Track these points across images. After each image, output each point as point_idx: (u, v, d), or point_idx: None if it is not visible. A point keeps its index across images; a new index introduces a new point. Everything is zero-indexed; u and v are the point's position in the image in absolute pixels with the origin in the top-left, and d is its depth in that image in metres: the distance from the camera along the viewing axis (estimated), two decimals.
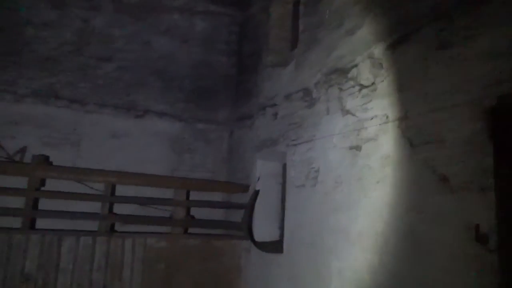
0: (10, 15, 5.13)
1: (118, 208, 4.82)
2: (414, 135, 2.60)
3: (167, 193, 5.00)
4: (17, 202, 4.25)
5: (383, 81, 2.97)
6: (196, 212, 5.14)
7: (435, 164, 2.41)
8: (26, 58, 5.11)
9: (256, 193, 4.77)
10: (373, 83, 3.08)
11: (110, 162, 5.05)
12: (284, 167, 4.82)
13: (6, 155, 4.77)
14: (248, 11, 6.02)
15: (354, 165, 3.15)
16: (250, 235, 4.53)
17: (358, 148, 3.13)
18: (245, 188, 5.14)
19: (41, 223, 4.57)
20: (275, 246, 4.29)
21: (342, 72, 3.47)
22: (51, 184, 4.64)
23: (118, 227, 4.75)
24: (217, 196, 5.57)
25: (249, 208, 4.67)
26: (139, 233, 4.52)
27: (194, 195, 5.15)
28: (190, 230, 4.92)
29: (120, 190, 4.87)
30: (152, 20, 5.85)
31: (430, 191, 2.42)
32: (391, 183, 2.75)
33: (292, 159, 4.13)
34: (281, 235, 4.76)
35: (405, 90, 2.74)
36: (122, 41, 5.64)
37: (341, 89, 3.45)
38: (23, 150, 4.85)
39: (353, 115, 3.25)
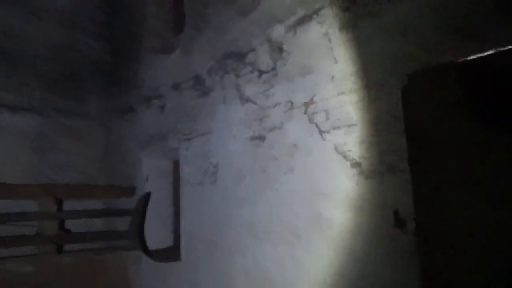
0: None
1: None
2: (322, 121, 2.49)
3: (33, 205, 4.11)
4: None
5: (285, 65, 2.79)
6: (72, 224, 4.32)
7: (345, 149, 2.32)
8: None
9: (147, 195, 4.22)
10: (273, 68, 2.88)
11: None
12: (175, 164, 4.37)
13: None
14: None
15: (257, 157, 2.93)
16: (141, 244, 3.98)
17: (261, 138, 2.91)
18: (130, 191, 4.54)
19: None
20: (170, 253, 3.84)
21: (238, 56, 3.19)
22: None
23: None
24: (96, 203, 4.80)
25: (139, 214, 4.11)
26: None
27: (68, 204, 4.32)
28: (66, 247, 4.11)
29: None
30: None
31: (343, 178, 2.32)
32: (300, 172, 2.60)
33: (185, 154, 3.73)
34: (176, 240, 4.34)
35: (310, 73, 2.60)
36: None
37: (238, 76, 3.18)
38: None
39: (254, 103, 3.01)
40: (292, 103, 2.70)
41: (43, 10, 4.95)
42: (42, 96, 4.73)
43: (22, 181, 4.30)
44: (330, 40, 2.47)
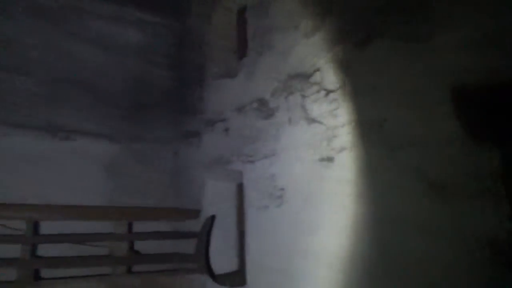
0: None
1: (44, 249, 4.00)
2: (394, 139, 2.32)
3: (105, 227, 4.31)
4: None
5: (352, 83, 2.69)
6: (141, 246, 4.46)
7: (421, 169, 2.13)
8: None
9: (212, 218, 4.24)
10: (340, 87, 2.78)
11: (29, 193, 4.21)
12: (239, 187, 4.36)
13: None
14: (188, 22, 5.59)
15: (325, 179, 2.80)
16: (207, 267, 3.97)
17: (329, 159, 2.79)
18: (196, 214, 4.59)
19: None
20: (236, 278, 3.77)
21: (303, 77, 3.15)
22: None
23: (45, 272, 3.92)
24: (163, 226, 4.92)
25: (204, 236, 4.12)
26: (71, 278, 3.74)
27: (137, 227, 4.47)
28: (136, 268, 4.22)
29: (47, 227, 4.07)
30: (74, 27, 5.15)
31: (419, 200, 2.12)
32: (370, 196, 2.43)
33: (250, 177, 3.70)
34: (241, 264, 4.27)
35: (379, 90, 2.47)
36: (38, 51, 4.85)
37: (303, 96, 3.12)
38: None
39: (321, 123, 2.92)
40: (361, 121, 2.57)
41: (121, 46, 5.35)
42: (118, 124, 5.03)
43: (96, 204, 4.56)
44: (399, 55, 2.33)
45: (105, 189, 4.82)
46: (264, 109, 3.60)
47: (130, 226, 4.26)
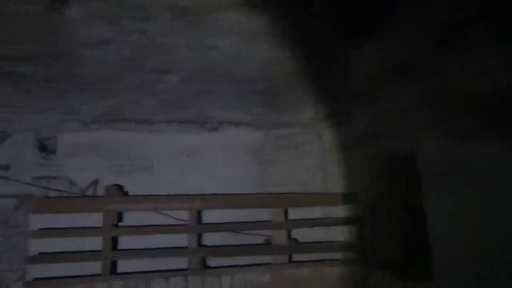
0: (65, 38, 4.67)
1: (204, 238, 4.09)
2: None
3: (255, 215, 4.20)
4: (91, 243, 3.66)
5: None
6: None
7: None
8: (87, 81, 4.59)
9: (373, 202, 3.77)
10: None
11: (187, 185, 4.35)
12: (405, 165, 3.79)
13: (79, 191, 4.23)
14: None
15: None
16: (374, 257, 3.52)
17: None
18: (353, 198, 4.17)
19: (121, 265, 3.92)
20: (418, 270, 3.23)
21: None
22: (126, 218, 4.04)
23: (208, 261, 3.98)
24: (311, 212, 4.64)
25: (365, 223, 3.68)
26: (236, 267, 3.69)
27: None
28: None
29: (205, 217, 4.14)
30: (211, 21, 5.15)
31: None
32: None
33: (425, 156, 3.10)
34: (407, 252, 3.70)
35: None
36: (183, 49, 4.97)
37: None
38: (95, 183, 4.29)
39: None
40: None
41: (251, 30, 5.20)
42: (259, 111, 4.91)
43: (245, 192, 4.50)
44: None
45: (253, 176, 4.75)
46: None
47: (286, 213, 4.06)
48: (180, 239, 4.04)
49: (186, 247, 3.74)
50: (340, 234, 4.35)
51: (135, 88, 4.72)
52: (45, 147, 4.38)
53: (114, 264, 3.73)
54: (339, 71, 4.63)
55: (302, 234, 4.36)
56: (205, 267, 3.81)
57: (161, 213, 4.06)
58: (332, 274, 3.77)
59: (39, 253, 3.71)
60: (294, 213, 4.35)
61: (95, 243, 3.83)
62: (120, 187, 4.03)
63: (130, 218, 4.11)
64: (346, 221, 4.11)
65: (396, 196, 3.95)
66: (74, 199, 3.89)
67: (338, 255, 4.26)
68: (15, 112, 4.30)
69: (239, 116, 4.85)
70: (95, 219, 3.91)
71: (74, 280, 3.45)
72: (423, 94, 3.05)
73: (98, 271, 3.66)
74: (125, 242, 4.02)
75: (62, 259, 3.55)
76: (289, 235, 4.04)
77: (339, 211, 4.42)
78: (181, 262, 3.85)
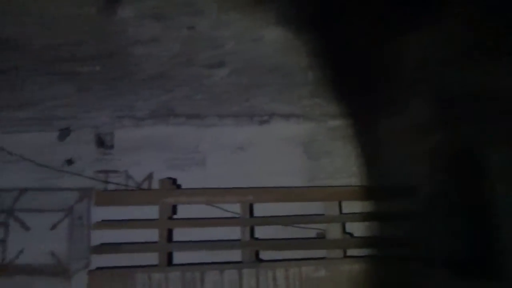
0: (118, 37, 4.84)
1: (256, 231, 4.07)
2: None
3: (307, 208, 4.13)
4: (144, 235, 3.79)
5: None
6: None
7: None
8: (139, 78, 4.73)
9: (433, 196, 3.55)
10: None
11: (239, 178, 4.35)
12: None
13: (135, 184, 4.38)
14: None
15: None
16: (432, 254, 3.31)
17: None
18: (409, 192, 3.96)
19: (175, 256, 4.03)
20: (484, 270, 2.99)
21: None
22: (179, 211, 4.14)
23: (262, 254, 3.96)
24: (367, 206, 4.46)
25: (424, 217, 3.47)
26: (291, 261, 3.63)
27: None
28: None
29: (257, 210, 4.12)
30: (258, 13, 5.09)
31: None
32: None
33: None
34: (467, 250, 3.43)
35: None
36: (231, 42, 4.96)
37: None
38: (149, 177, 4.42)
39: None
40: None
41: (299, 19, 5.08)
42: (309, 102, 4.80)
43: (297, 185, 4.42)
44: None
45: (306, 169, 4.66)
46: None
47: (340, 206, 3.94)
48: (231, 232, 4.05)
49: (239, 240, 3.75)
50: (395, 229, 4.16)
51: (186, 83, 4.79)
52: (103, 143, 4.58)
53: (169, 256, 3.82)
54: (396, 58, 4.40)
55: (356, 228, 4.22)
56: (258, 260, 3.79)
57: (213, 205, 4.10)
58: (388, 271, 3.60)
59: (101, 244, 3.88)
60: (349, 207, 4.20)
61: (149, 235, 3.95)
62: (174, 181, 4.12)
63: (183, 211, 4.20)
64: (402, 216, 3.91)
65: (461, 191, 3.69)
66: (132, 192, 4.03)
67: (394, 252, 4.07)
68: (77, 110, 4.53)
69: (290, 108, 4.77)
70: (149, 211, 4.03)
71: (134, 270, 3.58)
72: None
73: (153, 262, 3.77)
74: (177, 234, 4.12)
75: (123, 250, 3.69)
76: (343, 229, 3.91)
77: (394, 205, 4.23)
78: (233, 255, 3.87)
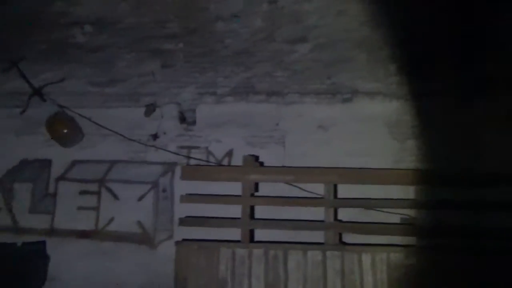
0: (200, 15, 4.85)
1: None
2: None
3: (389, 191, 3.92)
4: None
5: None
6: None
7: None
8: (221, 55, 4.73)
9: None
10: None
11: (319, 158, 4.24)
12: None
13: (215, 161, 4.45)
14: None
15: None
16: None
17: None
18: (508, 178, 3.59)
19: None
20: None
21: None
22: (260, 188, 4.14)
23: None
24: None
25: None
26: (377, 246, 3.49)
27: None
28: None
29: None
30: None
31: None
32: None
33: None
34: None
35: None
36: (313, 16, 4.76)
37: None
38: (229, 154, 4.46)
39: None
40: None
41: None
42: (396, 80, 4.49)
43: (383, 166, 4.20)
44: None
45: (390, 150, 4.38)
46: None
47: (429, 192, 3.68)
48: (310, 213, 3.97)
49: (323, 221, 3.66)
50: (491, 219, 3.81)
51: (266, 60, 4.72)
52: (186, 119, 4.68)
53: (251, 233, 3.85)
54: (492, 32, 3.94)
55: (447, 216, 3.92)
56: (341, 243, 3.69)
57: (292, 185, 4.03)
58: (486, 263, 3.31)
59: (187, 217, 4.01)
60: (440, 193, 3.91)
61: (226, 211, 4.00)
62: (256, 158, 4.10)
63: (263, 189, 4.18)
64: (498, 205, 3.56)
65: None
66: (217, 168, 4.10)
67: (492, 243, 3.74)
68: (162, 86, 4.66)
69: (375, 86, 4.50)
70: (227, 188, 4.07)
71: (218, 244, 3.65)
72: None
73: (231, 237, 3.81)
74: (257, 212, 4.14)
75: (208, 224, 3.78)
76: (433, 216, 3.66)
77: (490, 192, 3.86)
78: (314, 236, 3.79)
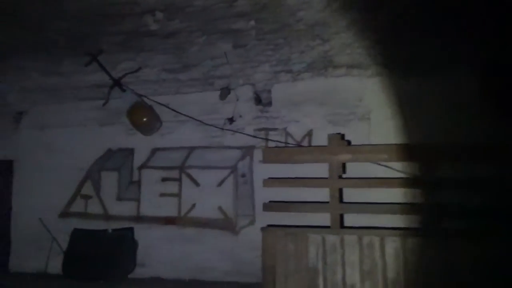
0: None
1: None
2: None
3: None
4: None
5: None
6: None
7: None
8: (294, 29, 4.42)
9: None
10: None
11: (408, 134, 3.82)
12: None
13: (294, 142, 4.22)
14: None
15: None
16: None
17: None
18: None
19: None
20: None
21: None
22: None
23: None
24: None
25: None
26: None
27: None
28: None
29: None
30: None
31: None
32: None
33: None
34: None
35: None
36: None
37: None
38: (309, 134, 4.21)
39: None
40: None
41: None
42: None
43: None
44: None
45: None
46: None
47: None
48: (392, 195, 3.58)
49: (419, 204, 3.27)
50: None
51: (345, 30, 4.32)
52: (261, 100, 4.49)
53: (341, 217, 3.58)
54: None
55: None
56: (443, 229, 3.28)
57: (379, 164, 3.66)
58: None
59: (270, 201, 3.85)
60: None
61: (309, 194, 3.74)
62: (342, 136, 3.80)
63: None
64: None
65: None
66: (301, 149, 3.88)
67: None
68: (235, 68, 4.49)
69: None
70: (308, 170, 3.80)
71: (306, 230, 3.45)
72: None
73: (317, 222, 3.56)
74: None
75: (293, 208, 3.59)
76: None
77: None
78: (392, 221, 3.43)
